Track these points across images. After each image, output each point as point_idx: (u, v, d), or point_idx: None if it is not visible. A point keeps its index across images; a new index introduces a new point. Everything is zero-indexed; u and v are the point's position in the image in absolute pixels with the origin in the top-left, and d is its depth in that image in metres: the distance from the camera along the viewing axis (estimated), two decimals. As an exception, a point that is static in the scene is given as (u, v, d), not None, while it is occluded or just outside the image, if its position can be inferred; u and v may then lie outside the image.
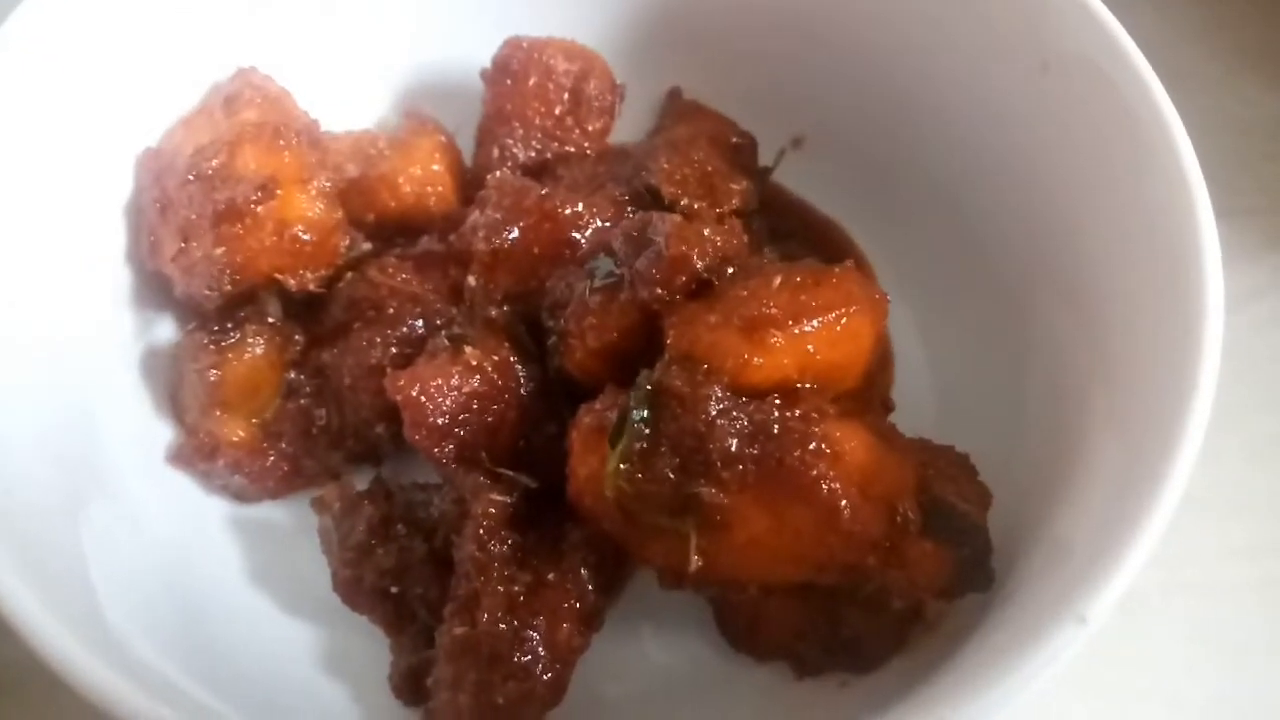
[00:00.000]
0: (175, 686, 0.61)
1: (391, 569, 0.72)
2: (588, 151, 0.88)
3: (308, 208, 0.77)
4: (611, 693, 0.76)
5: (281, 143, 0.78)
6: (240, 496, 0.80)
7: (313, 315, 0.81)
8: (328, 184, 0.79)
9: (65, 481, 0.69)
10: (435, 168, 0.87)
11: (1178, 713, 0.80)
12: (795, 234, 0.90)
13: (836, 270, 0.69)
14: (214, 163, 0.77)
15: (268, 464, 0.79)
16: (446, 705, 0.67)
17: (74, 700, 0.74)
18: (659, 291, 0.67)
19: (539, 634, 0.67)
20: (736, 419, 0.63)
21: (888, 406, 0.82)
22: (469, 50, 0.90)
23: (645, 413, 0.64)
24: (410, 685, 0.73)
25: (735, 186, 0.84)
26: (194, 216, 0.76)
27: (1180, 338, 0.63)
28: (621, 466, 0.64)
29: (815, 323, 0.66)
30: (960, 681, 0.57)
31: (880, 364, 0.74)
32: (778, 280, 0.67)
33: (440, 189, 0.87)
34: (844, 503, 0.63)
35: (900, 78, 0.86)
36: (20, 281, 0.72)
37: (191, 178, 0.77)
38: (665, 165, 0.82)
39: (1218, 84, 1.06)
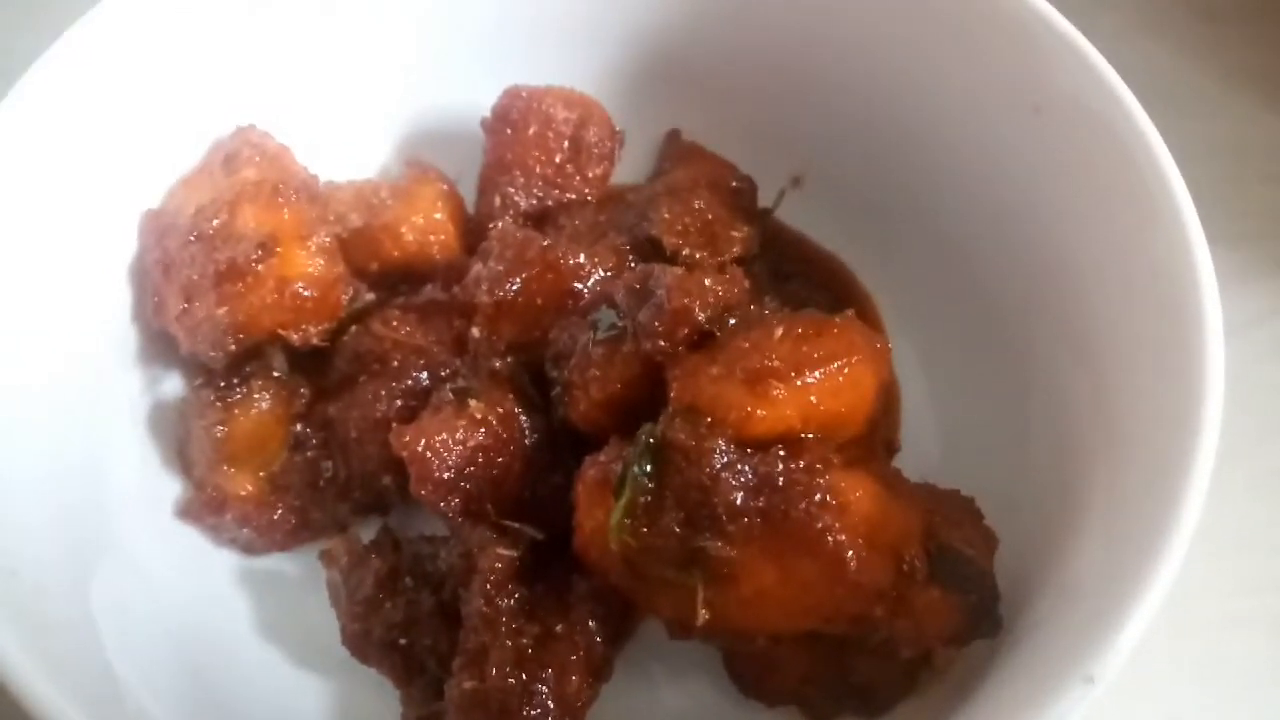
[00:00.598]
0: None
1: (399, 622, 0.72)
2: (588, 198, 0.89)
3: (308, 264, 0.77)
4: (621, 741, 0.76)
5: (280, 200, 0.78)
6: (249, 549, 0.81)
7: (318, 368, 0.82)
8: (327, 239, 0.79)
9: (73, 546, 0.69)
10: (438, 216, 0.87)
11: (1185, 748, 0.79)
12: (798, 274, 0.90)
13: (838, 320, 0.69)
14: (214, 222, 0.78)
15: (275, 517, 0.79)
16: (457, 759, 0.67)
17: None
18: (661, 344, 0.68)
19: (548, 687, 0.67)
20: (741, 472, 0.64)
21: (892, 449, 0.82)
22: (468, 97, 0.91)
23: (648, 466, 0.64)
24: (421, 737, 0.73)
25: (736, 234, 0.84)
26: (196, 276, 0.76)
27: (1182, 378, 0.64)
28: (626, 521, 0.64)
29: (818, 374, 0.66)
30: (994, 711, 0.57)
31: (884, 408, 0.74)
32: (779, 331, 0.67)
33: (443, 237, 0.87)
34: (850, 554, 0.63)
35: (897, 118, 0.87)
36: (26, 341, 0.73)
37: (193, 238, 0.77)
38: (666, 215, 0.82)
39: (1216, 104, 1.06)
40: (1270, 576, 0.85)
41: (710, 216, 0.84)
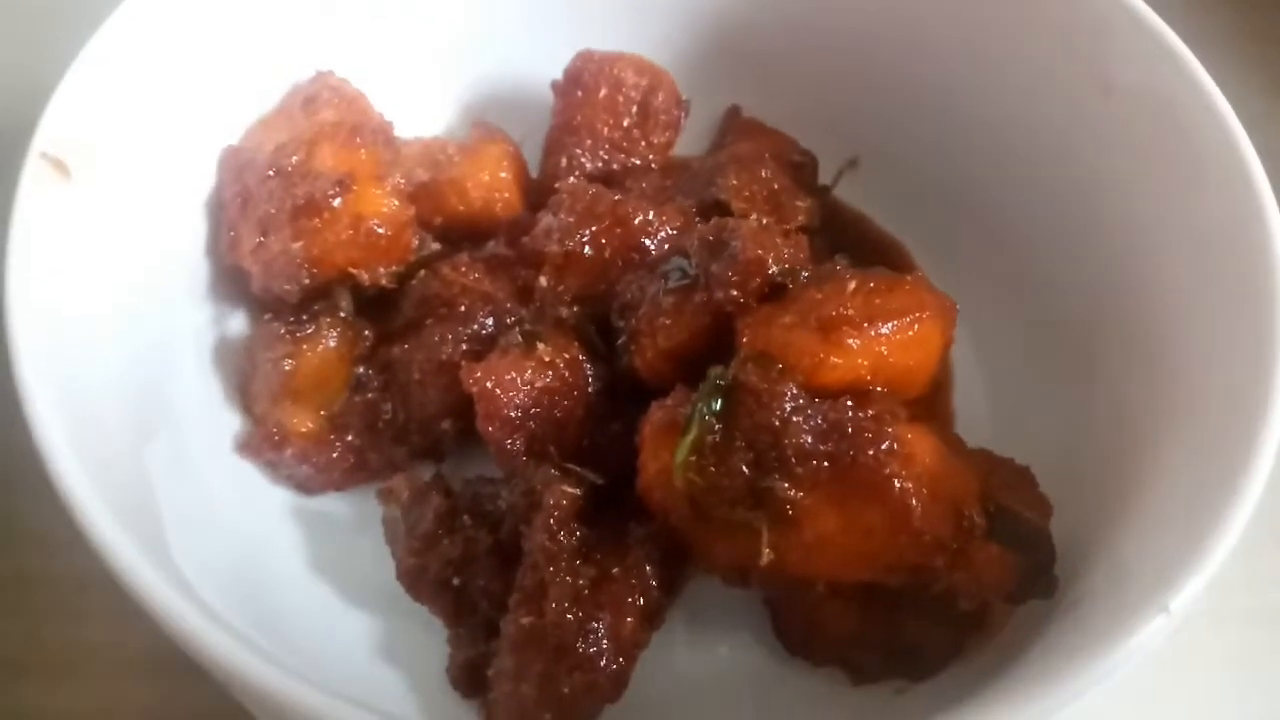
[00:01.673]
0: (235, 625, 0.62)
1: (456, 559, 0.73)
2: (652, 165, 0.91)
3: (383, 203, 0.79)
4: (665, 694, 0.76)
5: (358, 140, 0.80)
6: (304, 487, 0.81)
7: (381, 312, 0.83)
8: (401, 181, 0.81)
9: (141, 452, 0.70)
10: (503, 175, 0.89)
11: (1226, 740, 0.80)
12: (854, 251, 0.91)
13: (909, 278, 0.71)
14: (293, 159, 0.79)
15: (334, 456, 0.80)
16: (509, 696, 0.68)
17: (133, 686, 0.77)
18: (733, 294, 0.69)
19: (604, 626, 0.68)
20: (811, 416, 0.64)
21: (950, 417, 0.83)
22: (535, 64, 0.93)
23: (716, 405, 0.65)
24: (469, 677, 0.73)
25: (800, 204, 0.86)
26: (273, 211, 0.78)
27: (1252, 354, 0.65)
28: (692, 459, 0.65)
29: (890, 326, 0.68)
30: (1036, 675, 0.57)
31: (944, 375, 0.75)
32: (852, 284, 0.69)
33: (507, 195, 0.89)
34: (914, 502, 0.64)
35: (958, 98, 0.88)
36: (105, 264, 0.73)
37: (271, 173, 0.79)
38: (734, 181, 0.84)
39: (1264, 118, 1.07)
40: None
41: (776, 186, 0.86)
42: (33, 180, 0.67)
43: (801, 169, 0.92)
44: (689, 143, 0.97)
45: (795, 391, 0.65)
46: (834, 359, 0.65)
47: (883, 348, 0.67)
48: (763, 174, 0.87)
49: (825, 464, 0.64)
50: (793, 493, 0.64)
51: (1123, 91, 0.76)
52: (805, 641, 0.76)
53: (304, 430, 0.80)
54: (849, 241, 0.93)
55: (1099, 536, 0.71)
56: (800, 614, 0.75)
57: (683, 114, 0.92)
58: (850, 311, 0.66)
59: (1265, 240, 0.66)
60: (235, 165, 0.81)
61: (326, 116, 0.82)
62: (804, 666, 0.76)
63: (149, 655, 0.77)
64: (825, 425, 0.64)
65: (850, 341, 0.66)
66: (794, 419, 0.64)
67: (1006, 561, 0.67)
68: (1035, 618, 0.70)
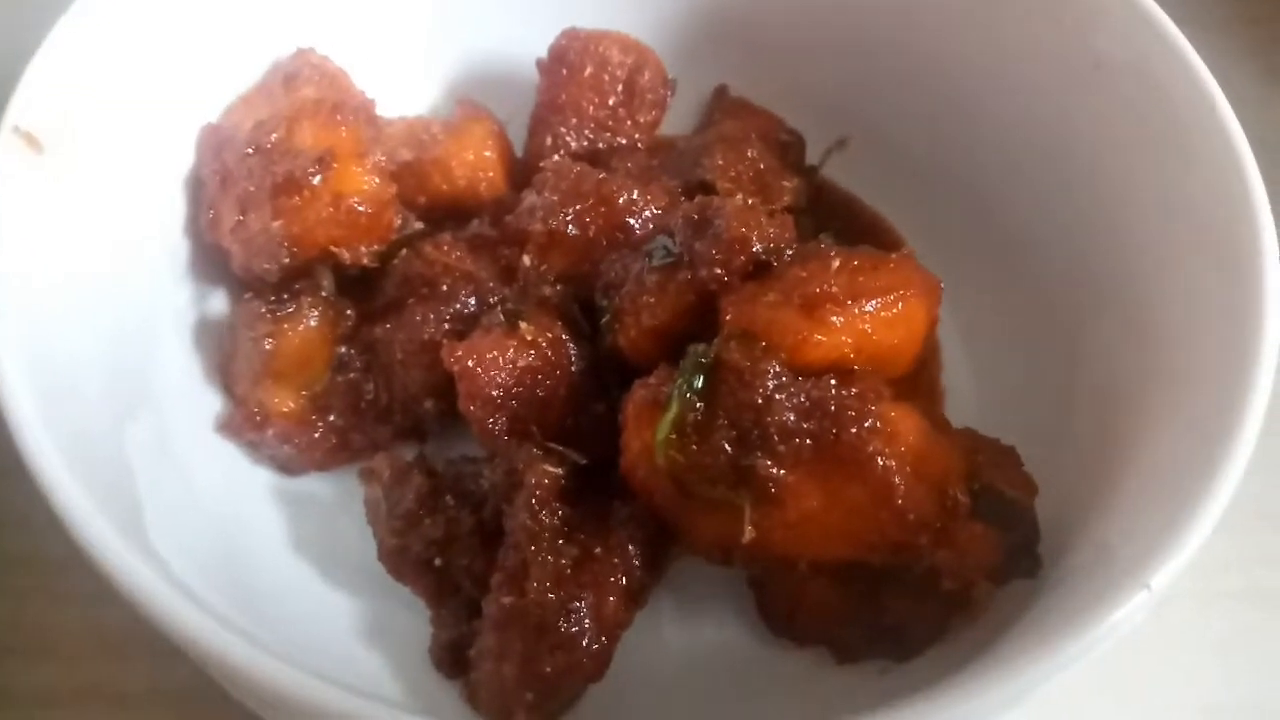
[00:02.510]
0: (215, 605, 0.61)
1: (438, 539, 0.72)
2: (638, 144, 0.90)
3: (364, 181, 0.78)
4: (649, 673, 0.76)
5: (339, 118, 0.80)
6: (286, 468, 0.81)
7: (364, 292, 0.82)
8: (383, 159, 0.80)
9: (121, 433, 0.70)
10: (487, 154, 0.88)
11: (1212, 722, 0.80)
12: (842, 230, 0.91)
13: (894, 256, 0.70)
14: (273, 137, 0.79)
15: (316, 436, 0.80)
16: (491, 676, 0.68)
17: (115, 666, 0.77)
18: (718, 271, 0.69)
19: (586, 606, 0.68)
20: (794, 394, 0.64)
21: (936, 396, 0.82)
22: (521, 42, 0.92)
23: (698, 382, 0.65)
24: (451, 657, 0.73)
25: (786, 184, 0.86)
26: (252, 189, 0.77)
27: (1237, 341, 0.65)
28: (673, 437, 0.65)
29: (874, 304, 0.67)
30: (1017, 651, 0.57)
31: (929, 353, 0.75)
32: (836, 262, 0.68)
33: (491, 175, 0.88)
34: (898, 480, 0.64)
35: (945, 77, 0.88)
36: (85, 244, 0.73)
37: (251, 151, 0.78)
38: (720, 161, 0.83)
39: (1258, 104, 1.07)
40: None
41: (762, 165, 0.86)
42: (4, 155, 0.66)
43: (789, 148, 0.92)
44: (675, 122, 0.97)
45: (778, 369, 0.64)
46: (817, 336, 0.65)
47: (866, 325, 0.66)
48: (749, 154, 0.87)
49: (808, 442, 0.64)
50: (775, 470, 0.64)
51: (1111, 68, 0.76)
52: (789, 621, 0.76)
53: (285, 410, 0.79)
54: (837, 221, 0.93)
55: (1084, 515, 0.71)
56: (784, 593, 0.75)
57: (669, 93, 0.92)
58: (834, 289, 0.66)
59: (1250, 216, 0.66)
60: (214, 143, 0.80)
61: (307, 94, 0.81)
62: (789, 646, 0.76)
63: (131, 636, 0.77)
64: (808, 403, 0.64)
65: (833, 319, 0.65)
66: (776, 397, 0.64)
67: (990, 540, 0.67)
68: (1020, 598, 0.70)
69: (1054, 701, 0.77)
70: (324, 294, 0.80)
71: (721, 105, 0.96)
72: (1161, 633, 0.82)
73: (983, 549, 0.66)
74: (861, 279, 0.67)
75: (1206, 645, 0.82)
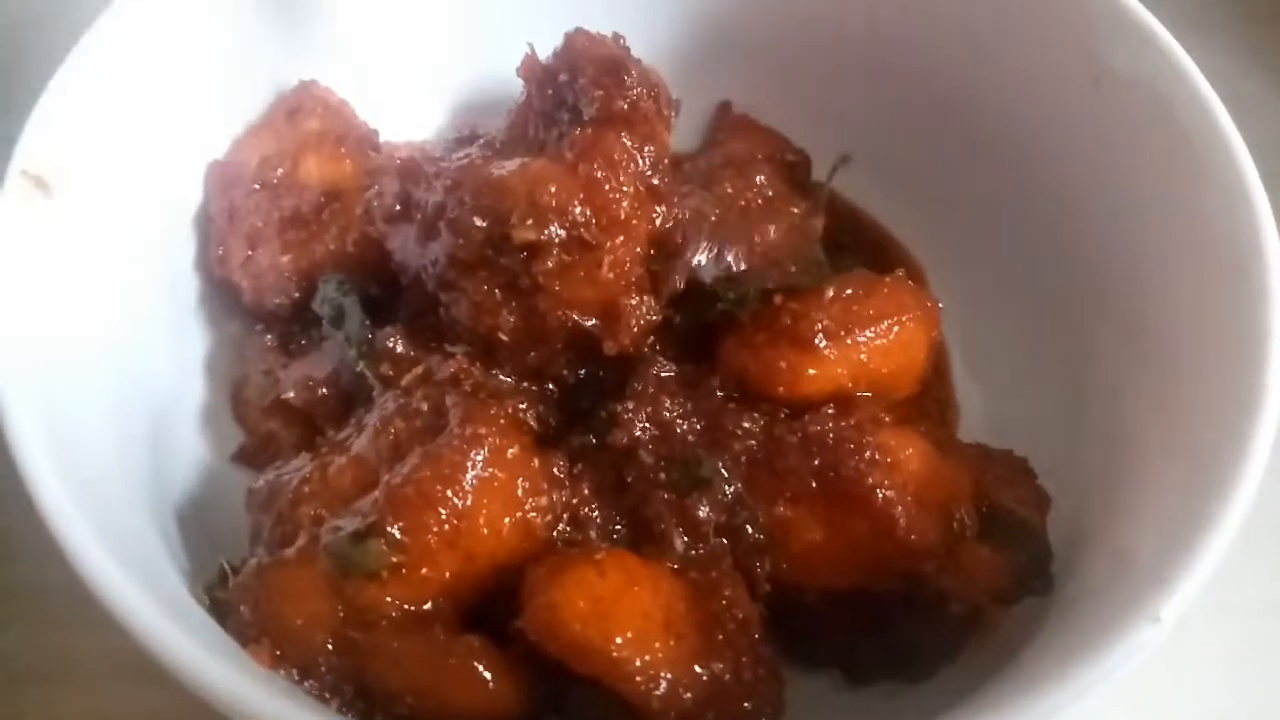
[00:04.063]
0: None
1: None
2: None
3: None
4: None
5: (343, 150, 0.81)
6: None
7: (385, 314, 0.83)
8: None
9: (131, 459, 0.72)
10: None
11: (1223, 735, 0.80)
12: (851, 245, 0.91)
13: (888, 280, 0.71)
14: (279, 172, 0.81)
15: (329, 467, 0.81)
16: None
17: (126, 693, 0.78)
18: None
19: None
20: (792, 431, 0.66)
21: (947, 412, 0.83)
22: (522, 71, 0.92)
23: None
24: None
25: (795, 210, 0.85)
26: (260, 224, 0.79)
27: (1245, 341, 0.65)
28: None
29: (869, 333, 0.69)
30: (1029, 679, 0.58)
31: (936, 370, 0.76)
32: (830, 292, 0.69)
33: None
34: (899, 510, 0.65)
35: (948, 91, 0.89)
36: (92, 291, 0.74)
37: (257, 187, 0.80)
38: (729, 189, 0.82)
39: (1261, 106, 1.07)
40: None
41: (771, 193, 0.85)
42: (13, 198, 0.67)
43: (795, 168, 0.92)
44: (676, 138, 0.97)
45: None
46: (811, 370, 0.66)
47: (862, 354, 0.68)
48: (758, 180, 0.86)
49: (812, 481, 0.65)
50: (778, 511, 0.65)
51: (1112, 82, 0.76)
52: (803, 643, 0.77)
53: (295, 440, 0.81)
54: (845, 236, 0.94)
55: (1097, 530, 0.71)
56: (798, 616, 0.76)
57: (673, 113, 0.92)
58: (827, 321, 0.67)
59: (1253, 225, 0.67)
60: (222, 179, 0.82)
61: (311, 127, 0.82)
62: (801, 668, 0.77)
63: (141, 663, 0.78)
64: (805, 439, 0.65)
65: (828, 351, 0.67)
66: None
67: (997, 563, 0.68)
68: (1033, 616, 0.70)
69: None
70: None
71: (726, 123, 0.97)
72: (1172, 644, 0.82)
73: (989, 572, 0.67)
74: (855, 308, 0.69)
75: (1217, 656, 0.82)
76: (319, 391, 0.76)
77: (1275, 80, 1.09)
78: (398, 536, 0.61)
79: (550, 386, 0.74)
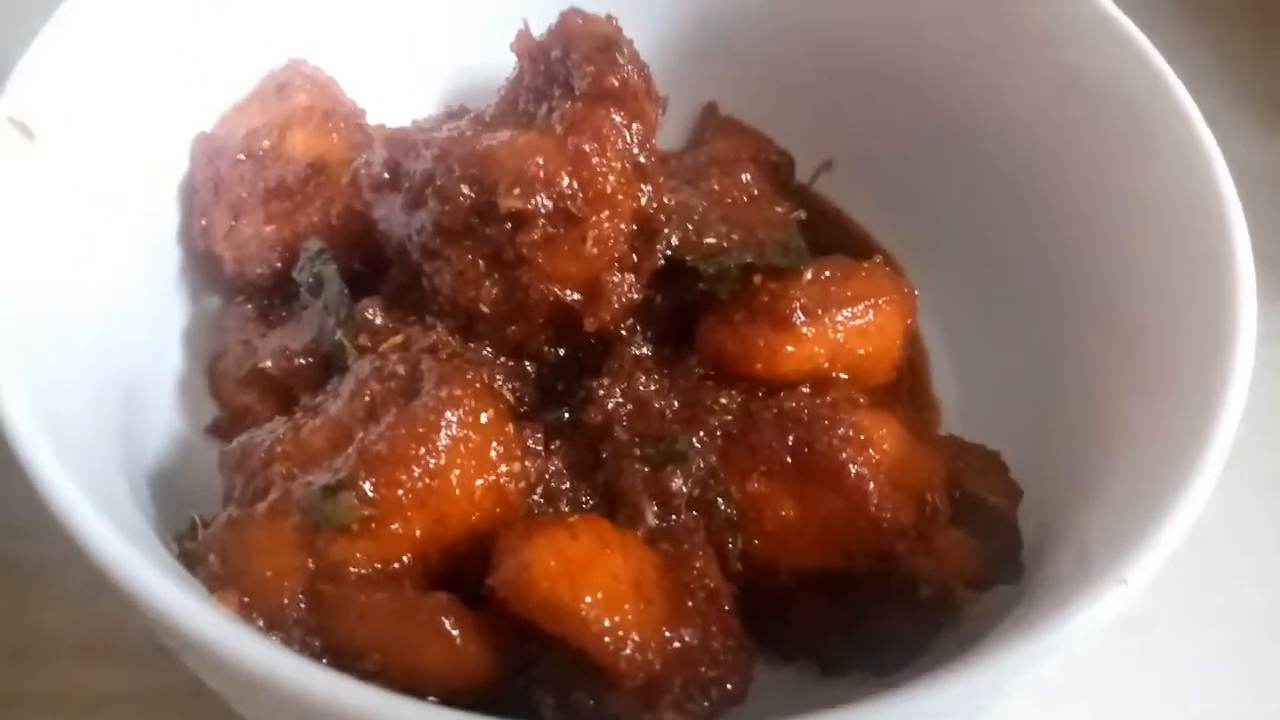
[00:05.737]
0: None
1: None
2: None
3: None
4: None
5: (330, 125, 0.83)
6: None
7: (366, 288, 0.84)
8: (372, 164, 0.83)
9: (111, 424, 0.72)
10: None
11: (1192, 740, 0.82)
12: (833, 247, 0.93)
13: (865, 265, 0.73)
14: (265, 144, 0.82)
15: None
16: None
17: (92, 670, 0.78)
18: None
19: None
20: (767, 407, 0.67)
21: (924, 408, 0.85)
22: (512, 55, 0.94)
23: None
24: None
25: (779, 209, 0.87)
26: (245, 194, 0.81)
27: (1214, 336, 0.67)
28: None
29: (846, 312, 0.71)
30: (994, 643, 0.59)
31: (911, 363, 0.77)
32: (808, 274, 0.71)
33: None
34: (871, 488, 0.67)
35: (930, 94, 0.91)
36: (70, 248, 0.75)
37: (243, 157, 0.82)
38: (716, 186, 0.84)
39: (1232, 131, 1.10)
40: (1270, 570, 0.89)
41: (756, 191, 0.87)
42: (-3, 143, 0.68)
43: (779, 169, 0.95)
44: (666, 137, 1.00)
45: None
46: (788, 347, 0.68)
47: (839, 334, 0.70)
48: (744, 178, 0.88)
49: (785, 455, 0.66)
50: (752, 486, 0.66)
51: (1090, 85, 0.79)
52: (777, 632, 0.77)
53: (270, 415, 0.81)
54: (829, 239, 0.96)
55: (1066, 520, 0.72)
56: (771, 604, 0.76)
57: (660, 110, 0.95)
58: (805, 300, 0.69)
59: (1222, 221, 0.69)
60: (208, 151, 0.83)
61: (299, 102, 0.84)
62: (775, 658, 0.77)
63: (107, 640, 0.79)
64: (781, 415, 0.67)
65: (805, 330, 0.68)
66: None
67: (969, 547, 0.69)
68: (1003, 606, 0.71)
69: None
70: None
71: (711, 123, 0.99)
72: (1148, 652, 0.84)
73: (961, 555, 0.68)
74: (833, 289, 0.70)
75: (1193, 664, 0.84)
76: (296, 361, 0.77)
77: (1234, 103, 1.14)
78: (369, 492, 0.62)
79: (528, 365, 0.76)
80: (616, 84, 0.70)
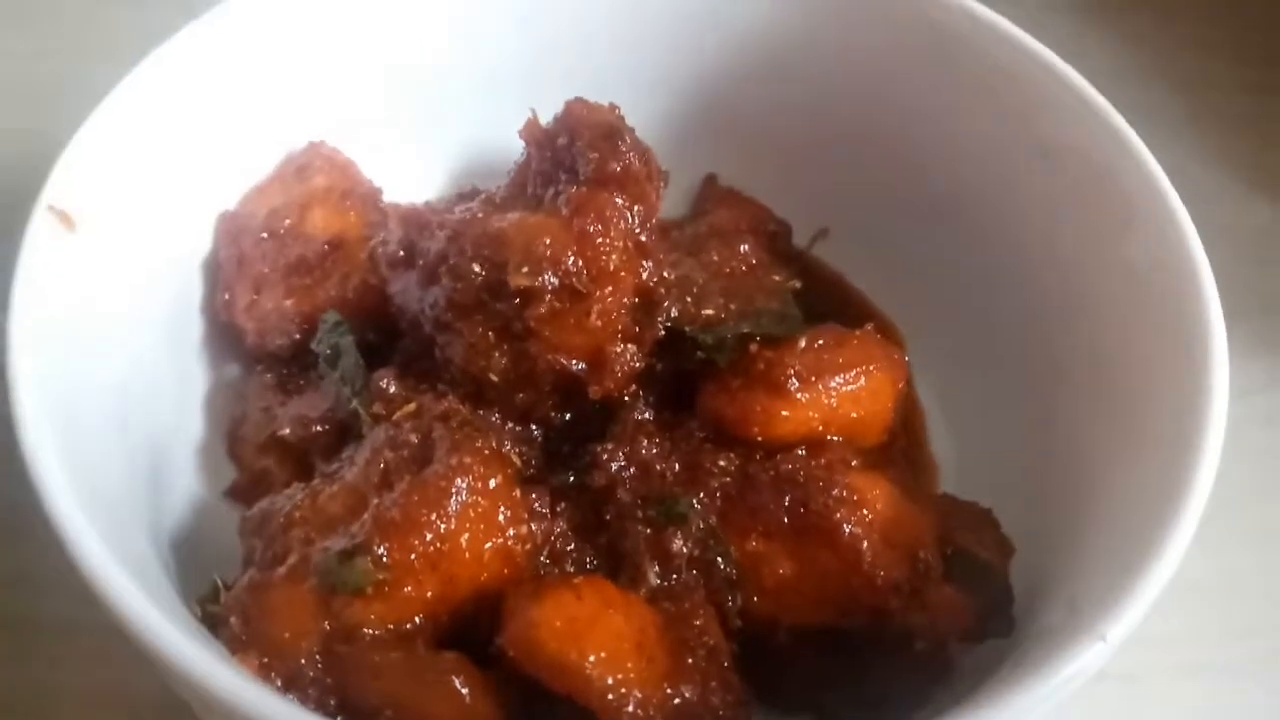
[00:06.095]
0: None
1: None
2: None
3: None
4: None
5: (348, 204, 0.88)
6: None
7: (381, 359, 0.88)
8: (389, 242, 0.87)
9: (141, 490, 0.76)
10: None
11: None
12: (831, 314, 0.96)
13: (857, 333, 0.77)
14: (286, 222, 0.87)
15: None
16: None
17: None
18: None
19: None
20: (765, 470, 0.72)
21: (924, 467, 0.89)
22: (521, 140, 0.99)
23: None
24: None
25: (777, 277, 0.91)
26: (267, 270, 0.85)
27: (1187, 403, 0.70)
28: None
29: (838, 379, 0.74)
30: (982, 697, 0.61)
31: (905, 423, 0.81)
32: (802, 342, 0.75)
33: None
34: (865, 546, 0.70)
35: (918, 166, 0.95)
36: (102, 325, 0.79)
37: (265, 235, 0.86)
38: (715, 257, 0.89)
39: (1209, 191, 1.15)
40: (1260, 622, 0.91)
41: (754, 261, 0.91)
42: (40, 229, 0.72)
43: (776, 237, 0.99)
44: (668, 208, 1.03)
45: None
46: (784, 412, 0.72)
47: (832, 399, 0.73)
48: (742, 249, 0.92)
49: (784, 517, 0.70)
50: (749, 546, 0.70)
51: (1060, 154, 0.84)
52: (775, 687, 0.80)
53: (288, 479, 0.85)
54: (827, 306, 0.99)
55: (1056, 575, 0.75)
56: (770, 658, 0.79)
57: (662, 183, 0.99)
58: (799, 367, 0.73)
59: (1195, 283, 0.73)
60: (231, 229, 0.88)
61: (318, 182, 0.89)
62: (773, 713, 0.80)
63: (128, 696, 0.81)
64: (778, 477, 0.70)
65: (799, 395, 0.72)
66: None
67: (962, 602, 0.72)
68: (995, 660, 0.74)
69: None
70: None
71: (712, 194, 1.04)
72: (1137, 703, 0.86)
73: (953, 611, 0.71)
74: (826, 356, 0.74)
75: (1182, 715, 0.86)
76: (314, 428, 0.81)
77: (1210, 162, 1.19)
78: (383, 556, 0.65)
79: (535, 430, 0.79)
80: (619, 169, 0.74)
